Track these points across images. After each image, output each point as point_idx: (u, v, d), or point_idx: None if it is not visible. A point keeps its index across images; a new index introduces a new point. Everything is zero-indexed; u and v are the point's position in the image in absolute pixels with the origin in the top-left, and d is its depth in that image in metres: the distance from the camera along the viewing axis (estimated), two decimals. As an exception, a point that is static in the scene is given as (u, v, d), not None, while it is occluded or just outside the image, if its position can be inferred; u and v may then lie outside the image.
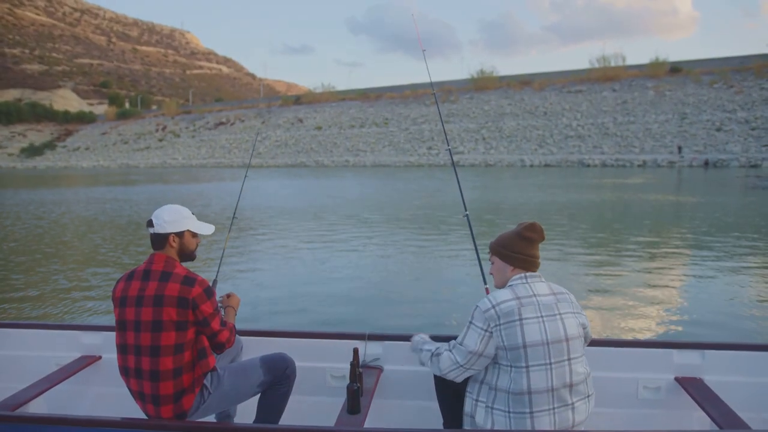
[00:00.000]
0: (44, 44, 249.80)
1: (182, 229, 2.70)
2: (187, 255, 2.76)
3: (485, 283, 3.07)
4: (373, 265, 10.35)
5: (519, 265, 2.53)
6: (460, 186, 3.77)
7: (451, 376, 2.51)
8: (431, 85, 4.30)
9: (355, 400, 2.76)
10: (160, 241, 2.69)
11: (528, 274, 2.51)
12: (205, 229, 2.82)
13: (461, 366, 2.45)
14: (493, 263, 2.63)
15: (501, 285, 2.60)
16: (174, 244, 2.69)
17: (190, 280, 2.58)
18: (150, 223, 2.69)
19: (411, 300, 7.82)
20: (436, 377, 2.85)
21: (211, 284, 2.70)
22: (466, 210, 3.53)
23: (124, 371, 2.63)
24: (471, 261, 10.34)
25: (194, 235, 2.77)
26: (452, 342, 2.54)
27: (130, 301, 2.58)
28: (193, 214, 2.80)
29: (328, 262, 10.47)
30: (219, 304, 2.88)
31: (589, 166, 64.21)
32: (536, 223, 2.58)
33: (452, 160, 3.93)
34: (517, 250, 2.53)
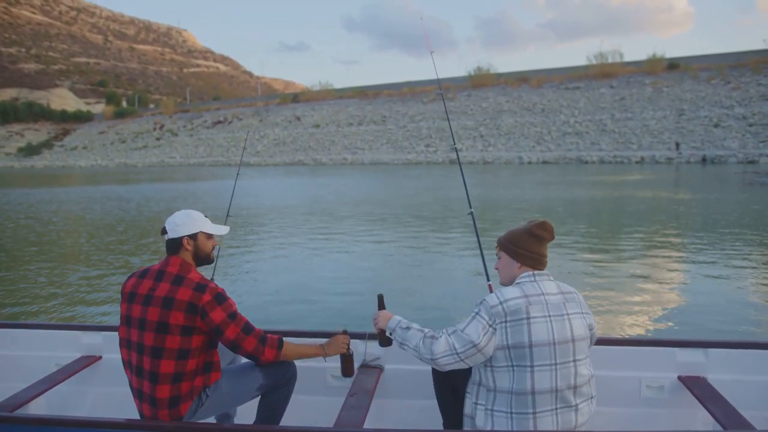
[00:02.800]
0: (41, 43, 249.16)
1: (195, 231, 2.68)
2: (203, 258, 2.73)
3: (488, 280, 3.04)
4: (374, 262, 10.34)
5: (527, 263, 2.48)
6: (465, 184, 3.75)
7: (441, 363, 2.40)
8: (438, 81, 4.38)
9: (349, 363, 2.93)
10: (174, 245, 2.67)
11: (536, 272, 2.46)
12: (220, 229, 2.79)
13: (457, 353, 2.36)
14: (500, 258, 2.59)
15: (507, 281, 2.56)
16: (189, 247, 2.67)
17: (201, 286, 2.54)
18: (164, 231, 2.69)
19: (412, 298, 7.80)
20: (435, 377, 2.83)
21: (223, 290, 2.65)
22: (470, 207, 3.51)
23: (128, 365, 2.62)
24: (472, 257, 10.33)
25: (209, 237, 2.74)
26: (451, 328, 2.46)
27: (138, 298, 2.56)
28: (206, 217, 2.77)
29: (327, 261, 10.45)
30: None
31: (587, 162, 64.23)
32: (547, 221, 2.52)
33: (458, 158, 3.92)
34: (526, 248, 2.48)
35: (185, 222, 2.67)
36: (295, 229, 15.01)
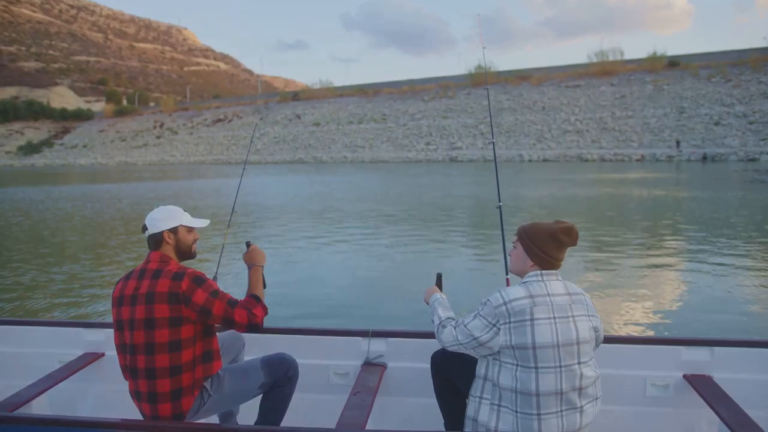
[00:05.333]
0: (41, 41, 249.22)
1: (175, 225, 2.68)
2: (185, 252, 2.73)
3: (507, 274, 2.98)
4: (378, 259, 10.31)
5: (539, 263, 2.46)
6: (498, 179, 3.76)
7: (449, 348, 2.57)
8: (485, 73, 4.41)
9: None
10: (155, 240, 2.68)
11: (544, 271, 2.44)
12: (199, 222, 2.80)
13: (461, 344, 2.47)
14: (515, 248, 2.57)
15: (516, 272, 2.57)
16: (170, 241, 2.68)
17: (179, 275, 2.54)
18: (144, 228, 2.69)
19: (417, 295, 7.75)
20: (434, 378, 2.85)
21: (207, 276, 2.63)
22: (500, 201, 3.49)
23: (125, 370, 2.62)
24: (482, 255, 10.30)
25: (189, 230, 2.74)
26: (458, 320, 2.54)
27: (125, 300, 2.57)
28: (186, 211, 2.78)
29: (331, 258, 10.43)
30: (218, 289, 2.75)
31: (587, 160, 64.21)
32: (574, 227, 2.48)
33: (494, 154, 3.89)
34: (544, 249, 2.45)
35: (165, 216, 2.69)
36: (297, 226, 14.99)
